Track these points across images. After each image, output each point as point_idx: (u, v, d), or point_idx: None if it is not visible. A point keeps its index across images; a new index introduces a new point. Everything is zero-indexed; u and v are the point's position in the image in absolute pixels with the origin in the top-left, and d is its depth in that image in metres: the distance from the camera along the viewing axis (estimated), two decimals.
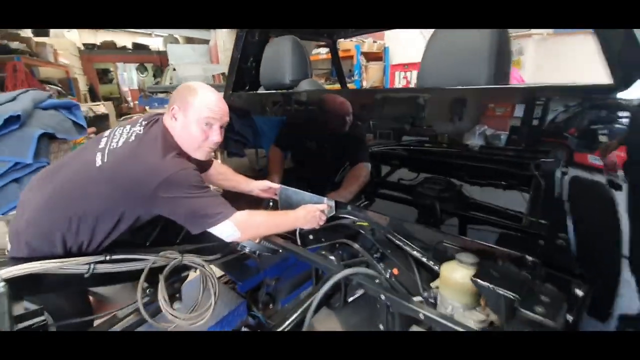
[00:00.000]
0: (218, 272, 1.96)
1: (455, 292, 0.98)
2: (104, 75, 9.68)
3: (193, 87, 1.23)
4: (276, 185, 1.58)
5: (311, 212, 1.34)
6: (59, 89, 5.89)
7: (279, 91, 1.83)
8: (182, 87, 1.26)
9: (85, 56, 8.63)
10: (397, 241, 1.28)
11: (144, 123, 1.22)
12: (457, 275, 0.97)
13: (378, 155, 1.56)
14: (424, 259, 1.19)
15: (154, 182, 1.07)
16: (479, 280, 0.83)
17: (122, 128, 1.21)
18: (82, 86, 7.87)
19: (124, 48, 9.23)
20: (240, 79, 1.98)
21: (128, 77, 10.45)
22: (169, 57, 7.95)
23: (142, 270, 1.29)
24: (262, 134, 3.52)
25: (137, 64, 9.88)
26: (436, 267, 1.15)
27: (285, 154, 1.85)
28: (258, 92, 2.04)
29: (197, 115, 1.20)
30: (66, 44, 7.64)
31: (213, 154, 1.39)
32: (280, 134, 1.87)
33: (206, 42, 8.18)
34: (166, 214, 1.15)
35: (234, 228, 1.15)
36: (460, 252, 1.00)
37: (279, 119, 2.43)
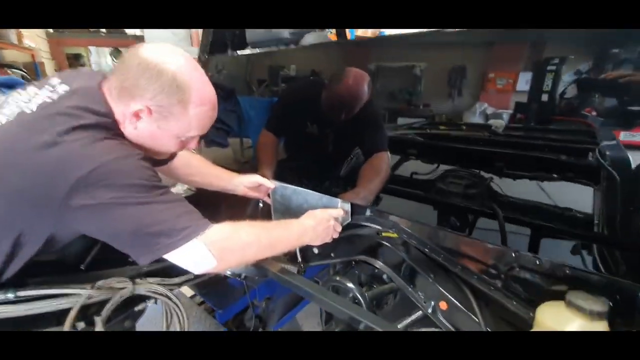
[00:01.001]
0: (190, 291, 1.54)
1: None
2: (76, 61, 8.85)
3: (183, 87, 0.74)
4: (269, 183, 1.16)
5: (323, 222, 0.93)
6: (24, 73, 5.30)
7: (274, 48, 1.40)
8: (163, 78, 0.73)
9: (54, 39, 7.86)
10: (443, 261, 0.89)
11: (59, 88, 0.77)
12: (574, 329, 0.59)
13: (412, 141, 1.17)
14: (489, 291, 0.80)
15: (65, 181, 0.64)
16: None
17: (18, 94, 0.77)
18: (50, 71, 7.17)
19: (97, 31, 8.48)
20: (220, 36, 1.53)
21: (104, 63, 9.67)
22: (146, 42, 7.29)
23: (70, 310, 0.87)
24: (248, 120, 3.07)
25: (112, 49, 9.12)
26: (511, 305, 0.77)
27: (280, 140, 1.43)
28: (244, 53, 1.60)
29: (184, 132, 0.81)
30: None
31: None
32: (275, 114, 1.44)
33: None
34: (93, 234, 0.72)
35: (206, 252, 0.73)
36: (571, 291, 0.62)
37: (269, 101, 2.00)
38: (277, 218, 1.20)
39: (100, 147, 0.67)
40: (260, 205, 1.42)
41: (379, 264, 0.99)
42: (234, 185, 1.16)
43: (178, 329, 1.05)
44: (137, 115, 0.75)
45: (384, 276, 1.08)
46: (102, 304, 0.96)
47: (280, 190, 1.16)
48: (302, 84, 1.35)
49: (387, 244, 0.97)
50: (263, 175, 1.19)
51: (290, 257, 1.17)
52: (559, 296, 0.66)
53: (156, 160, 1.03)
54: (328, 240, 0.95)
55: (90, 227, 0.70)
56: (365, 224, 1.06)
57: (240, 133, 3.34)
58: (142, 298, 1.05)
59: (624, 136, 1.43)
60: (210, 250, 0.72)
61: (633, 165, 1.15)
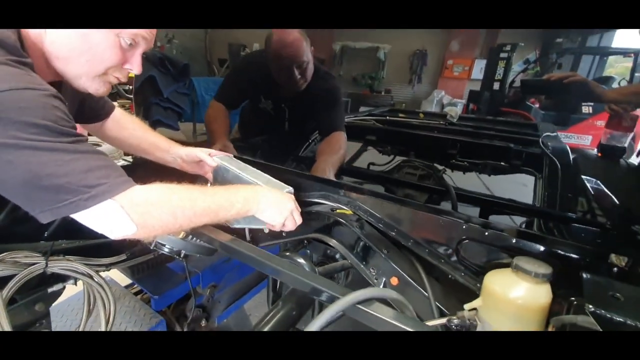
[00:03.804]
0: (124, 278, 1.38)
1: (515, 319, 0.60)
2: None
3: None
4: (211, 161, 1.01)
5: (280, 200, 0.84)
6: None
7: None
8: None
9: None
10: (396, 236, 0.88)
11: None
12: (519, 292, 0.59)
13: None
14: (440, 264, 0.80)
15: None
16: (605, 313, 0.44)
17: None
18: None
19: None
20: None
21: None
22: None
23: None
24: (202, 103, 2.89)
25: None
26: (459, 276, 0.77)
27: (231, 113, 1.33)
28: None
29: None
30: None
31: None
32: (225, 84, 1.34)
33: None
34: None
35: (123, 217, 0.61)
36: (517, 257, 0.63)
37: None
38: None
39: None
40: (210, 184, 1.31)
41: (332, 241, 0.95)
42: (171, 157, 1.02)
43: (102, 315, 0.92)
44: None
45: (337, 255, 1.05)
46: (5, 281, 0.80)
47: (222, 172, 1.01)
48: (256, 53, 1.28)
49: (341, 220, 0.93)
50: (223, 146, 1.08)
51: (237, 235, 1.09)
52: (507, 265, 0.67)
53: (88, 114, 0.90)
54: (280, 221, 0.84)
55: None
56: (319, 200, 1.02)
57: (193, 117, 3.14)
58: (59, 278, 0.91)
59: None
60: (130, 214, 0.61)
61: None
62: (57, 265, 0.85)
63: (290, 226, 0.86)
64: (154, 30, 0.72)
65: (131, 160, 1.21)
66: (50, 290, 0.90)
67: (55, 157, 0.55)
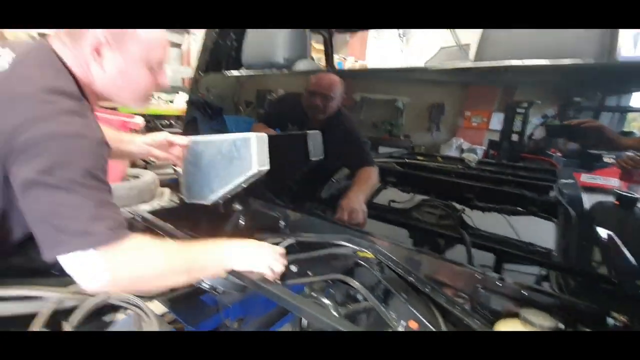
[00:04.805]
0: (160, 307, 1.50)
1: None
2: None
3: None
4: (181, 140, 1.05)
5: (257, 248, 0.95)
6: None
7: (268, 71, 1.48)
8: None
9: None
10: (415, 282, 0.95)
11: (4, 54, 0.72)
12: None
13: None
14: (455, 310, 0.86)
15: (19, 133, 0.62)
16: None
17: None
18: None
19: None
20: (215, 55, 1.61)
21: None
22: None
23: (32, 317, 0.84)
24: None
25: None
26: (473, 323, 0.83)
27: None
28: (239, 73, 1.68)
29: (147, 54, 0.81)
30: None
31: None
32: (266, 110, 1.60)
33: (178, 45, 7.75)
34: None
35: (98, 265, 0.67)
36: (524, 309, 0.69)
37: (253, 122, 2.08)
38: (189, 180, 1.09)
39: (63, 118, 0.65)
40: (242, 222, 1.44)
41: (355, 283, 1.03)
42: (137, 147, 1.06)
43: None
44: (97, 51, 0.76)
45: (358, 296, 1.12)
46: (69, 311, 0.93)
47: (192, 148, 1.04)
48: (291, 92, 1.51)
49: (363, 263, 1.02)
50: (264, 130, 1.23)
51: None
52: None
53: None
54: (262, 269, 0.93)
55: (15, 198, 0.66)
56: (343, 243, 1.11)
57: None
58: (113, 308, 1.03)
59: (584, 177, 1.58)
60: (108, 264, 0.68)
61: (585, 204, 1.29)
62: (116, 296, 0.98)
63: (277, 268, 0.95)
64: (167, 48, 0.86)
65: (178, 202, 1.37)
66: (103, 318, 1.02)
67: (73, 199, 0.64)
